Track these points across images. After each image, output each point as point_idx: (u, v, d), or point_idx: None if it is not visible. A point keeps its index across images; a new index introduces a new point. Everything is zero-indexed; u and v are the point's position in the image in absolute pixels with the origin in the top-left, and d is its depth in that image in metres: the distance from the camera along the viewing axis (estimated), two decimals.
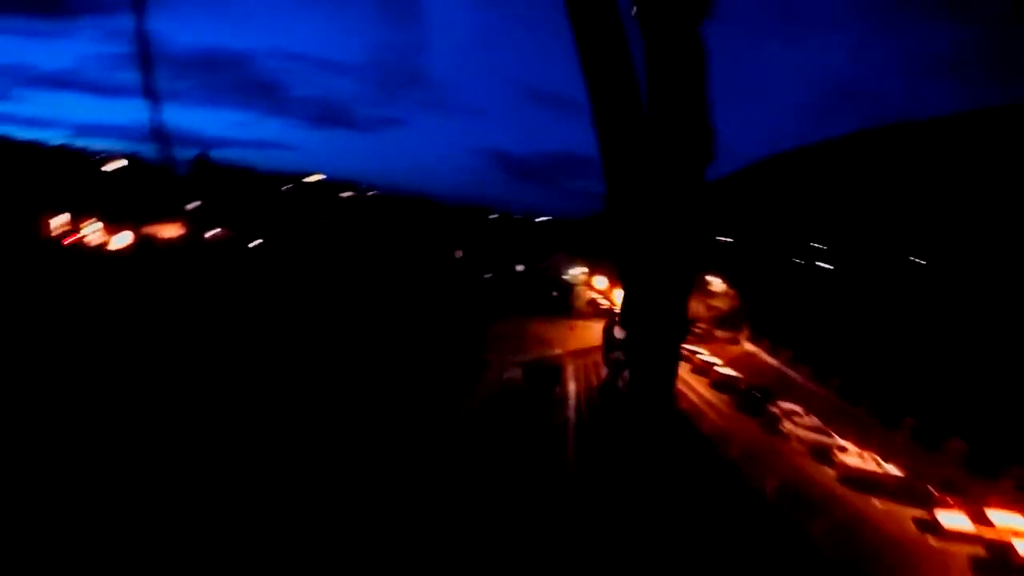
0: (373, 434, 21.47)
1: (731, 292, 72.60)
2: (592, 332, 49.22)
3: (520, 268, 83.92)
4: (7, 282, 37.82)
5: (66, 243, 68.98)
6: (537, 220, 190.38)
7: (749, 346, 58.12)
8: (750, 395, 35.50)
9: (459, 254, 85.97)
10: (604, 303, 71.29)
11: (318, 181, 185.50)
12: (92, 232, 71.48)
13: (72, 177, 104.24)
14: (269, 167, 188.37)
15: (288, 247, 76.47)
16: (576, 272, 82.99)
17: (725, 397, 36.87)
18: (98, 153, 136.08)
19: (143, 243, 67.41)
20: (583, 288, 78.21)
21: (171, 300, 42.16)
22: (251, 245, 75.87)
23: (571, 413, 26.45)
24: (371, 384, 27.37)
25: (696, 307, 65.61)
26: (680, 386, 37.85)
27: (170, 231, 72.13)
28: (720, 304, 69.17)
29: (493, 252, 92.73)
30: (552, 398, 29.19)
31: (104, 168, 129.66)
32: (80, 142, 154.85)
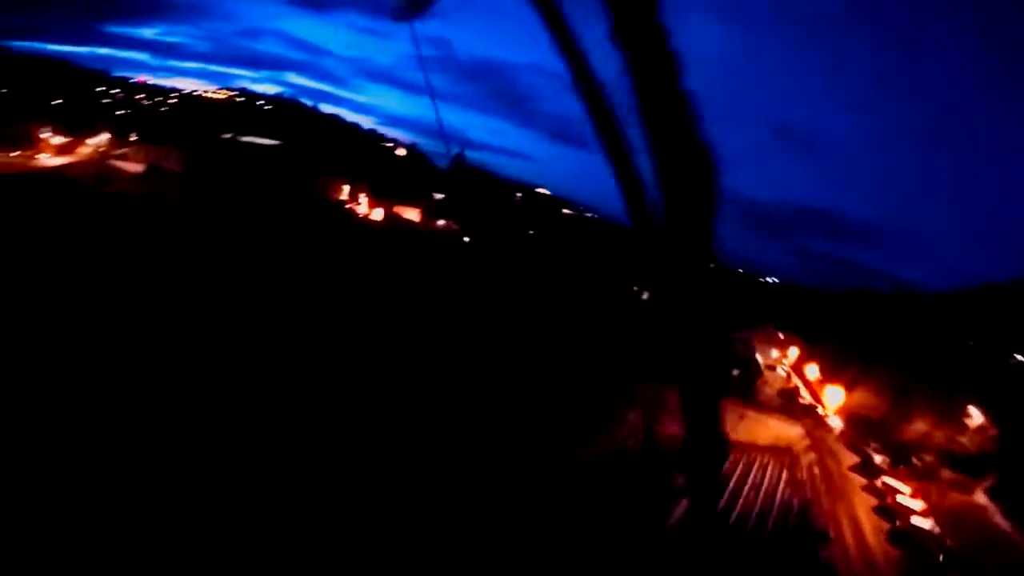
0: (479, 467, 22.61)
1: (990, 429, 54.90)
2: (767, 430, 42.63)
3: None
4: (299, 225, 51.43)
5: (346, 208, 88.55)
6: (762, 279, 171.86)
7: (982, 498, 43.44)
8: (933, 560, 26.84)
9: (646, 296, 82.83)
10: (805, 398, 58.96)
11: (543, 194, 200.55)
12: (361, 203, 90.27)
13: (368, 157, 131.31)
14: (508, 174, 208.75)
15: (493, 248, 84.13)
16: (775, 353, 72.04)
17: (895, 555, 28.27)
18: (391, 140, 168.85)
19: (391, 219, 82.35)
20: (778, 373, 67.31)
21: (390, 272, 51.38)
22: (465, 239, 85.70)
23: (674, 509, 23.68)
24: (495, 410, 28.77)
25: (931, 434, 51.73)
26: (842, 523, 30.72)
27: (411, 214, 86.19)
28: (967, 441, 53.02)
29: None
30: (667, 481, 26.59)
31: (396, 153, 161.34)
32: (384, 130, 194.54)
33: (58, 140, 73.52)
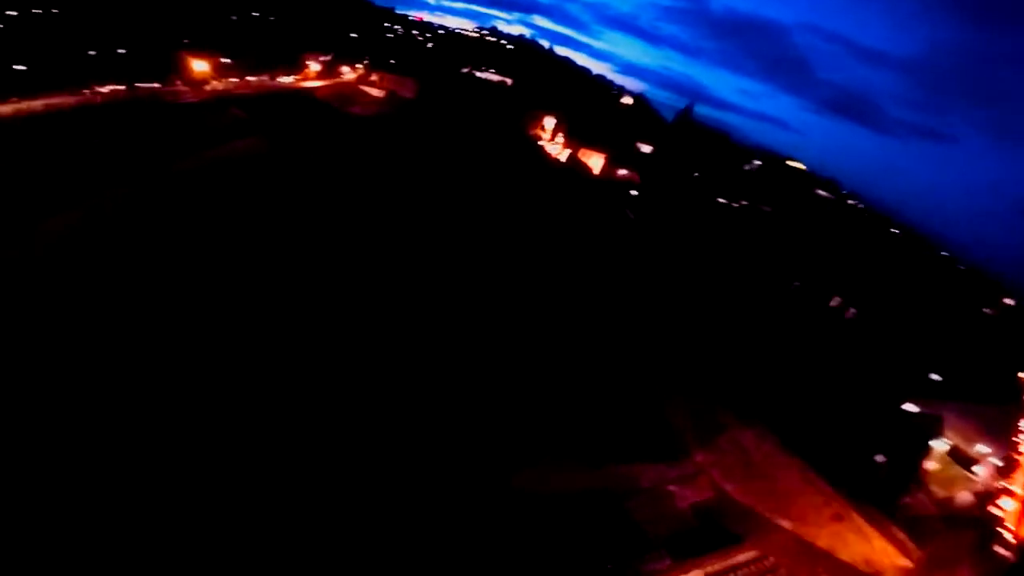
0: None
1: None
2: (860, 544, 28.63)
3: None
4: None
5: (538, 145, 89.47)
6: None
7: None
8: None
9: (844, 307, 61.89)
10: (1010, 536, 33.32)
11: (794, 168, 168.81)
12: (556, 143, 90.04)
13: (587, 102, 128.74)
14: (749, 140, 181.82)
15: (664, 211, 75.27)
16: (985, 449, 41.83)
17: None
18: (618, 88, 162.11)
19: (573, 161, 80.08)
20: (974, 475, 39.46)
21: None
22: (632, 193, 78.08)
23: None
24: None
25: None
26: None
27: (594, 160, 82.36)
28: None
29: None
30: None
31: (621, 101, 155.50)
32: (616, 77, 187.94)
33: (317, 67, 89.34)
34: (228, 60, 69.55)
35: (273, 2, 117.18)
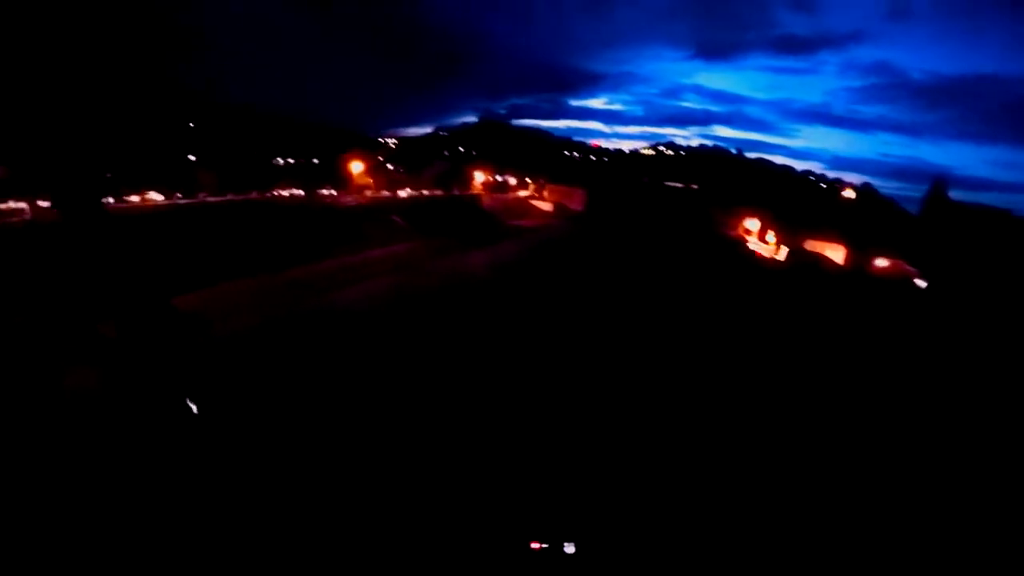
0: None
1: None
2: None
3: None
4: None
5: (744, 245, 71.81)
6: None
7: None
8: None
9: None
10: None
11: None
12: (767, 243, 71.04)
13: (796, 198, 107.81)
14: None
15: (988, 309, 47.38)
16: None
17: None
18: (833, 182, 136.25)
19: (794, 256, 59.50)
20: None
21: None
22: (920, 284, 51.64)
23: None
24: None
25: None
26: None
27: (834, 253, 60.09)
28: None
29: None
30: None
31: (842, 195, 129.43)
32: (828, 172, 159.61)
33: (482, 179, 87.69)
34: (402, 174, 70.94)
35: (455, 141, 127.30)
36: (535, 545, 11.58)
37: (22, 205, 27.55)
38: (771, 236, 73.76)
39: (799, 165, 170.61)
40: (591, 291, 34.03)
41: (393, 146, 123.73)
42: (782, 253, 63.61)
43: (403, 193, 66.61)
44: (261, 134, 70.11)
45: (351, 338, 21.79)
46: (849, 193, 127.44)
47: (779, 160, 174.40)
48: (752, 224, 78.64)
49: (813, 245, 62.38)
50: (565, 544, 11.63)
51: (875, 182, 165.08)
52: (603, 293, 34.00)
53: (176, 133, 60.23)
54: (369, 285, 29.54)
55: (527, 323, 26.35)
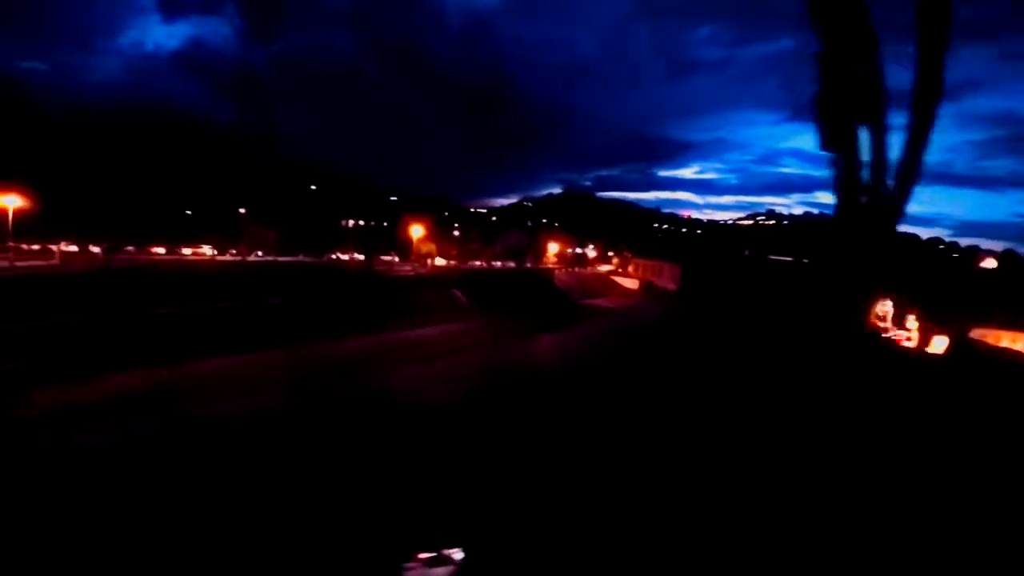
0: None
1: None
2: None
3: None
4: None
5: (879, 334, 58.46)
6: None
7: None
8: None
9: None
10: None
11: None
12: (908, 330, 57.32)
13: (928, 270, 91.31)
14: None
15: None
16: None
17: None
18: (966, 250, 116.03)
19: (961, 349, 45.82)
20: None
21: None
22: None
23: None
24: None
25: None
26: None
27: (1013, 341, 45.70)
28: None
29: None
30: None
31: (980, 265, 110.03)
32: (959, 239, 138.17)
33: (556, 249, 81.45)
34: (476, 243, 67.42)
35: (539, 212, 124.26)
36: None
37: None
38: (912, 321, 59.83)
39: (922, 232, 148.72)
40: (690, 402, 25.00)
41: (478, 215, 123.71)
42: (937, 344, 49.84)
43: (475, 263, 62.59)
44: (340, 199, 71.21)
45: (326, 443, 15.23)
46: (990, 263, 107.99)
47: (900, 227, 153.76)
48: (883, 307, 65.01)
49: (983, 333, 48.27)
50: None
51: (1015, 247, 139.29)
52: (705, 409, 24.75)
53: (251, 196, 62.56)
54: (391, 373, 22.91)
55: (595, 441, 18.14)
